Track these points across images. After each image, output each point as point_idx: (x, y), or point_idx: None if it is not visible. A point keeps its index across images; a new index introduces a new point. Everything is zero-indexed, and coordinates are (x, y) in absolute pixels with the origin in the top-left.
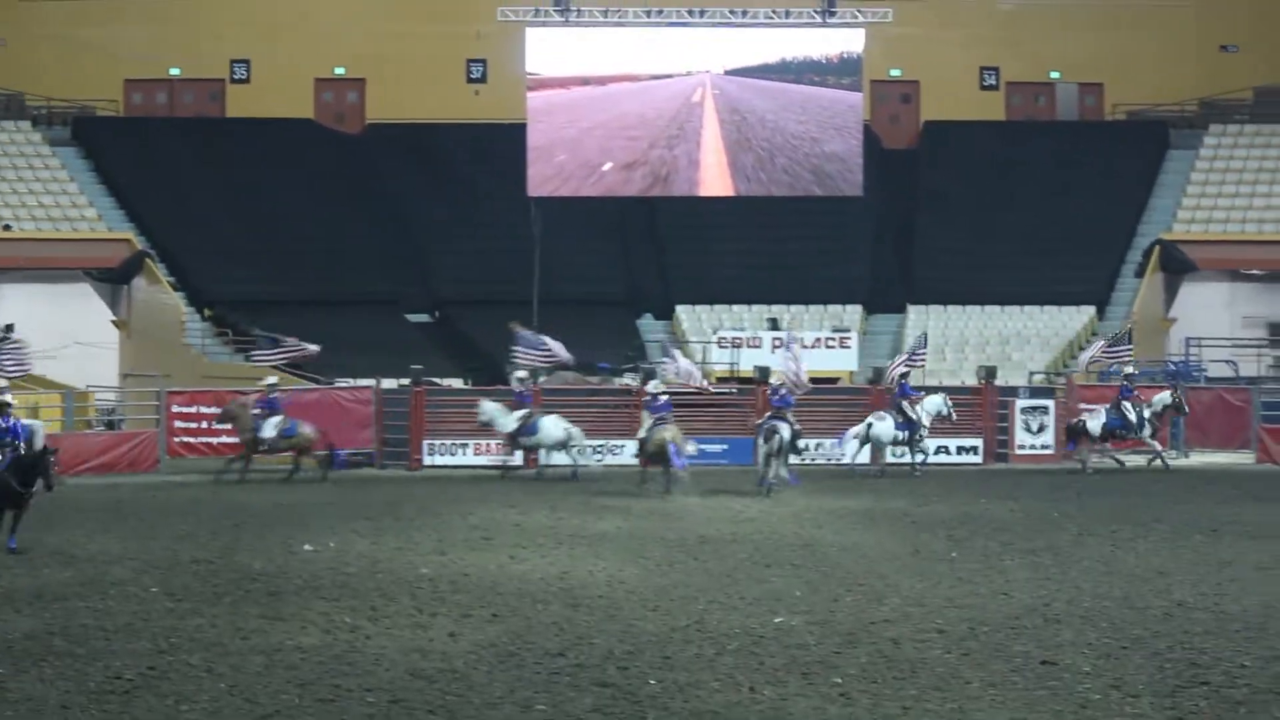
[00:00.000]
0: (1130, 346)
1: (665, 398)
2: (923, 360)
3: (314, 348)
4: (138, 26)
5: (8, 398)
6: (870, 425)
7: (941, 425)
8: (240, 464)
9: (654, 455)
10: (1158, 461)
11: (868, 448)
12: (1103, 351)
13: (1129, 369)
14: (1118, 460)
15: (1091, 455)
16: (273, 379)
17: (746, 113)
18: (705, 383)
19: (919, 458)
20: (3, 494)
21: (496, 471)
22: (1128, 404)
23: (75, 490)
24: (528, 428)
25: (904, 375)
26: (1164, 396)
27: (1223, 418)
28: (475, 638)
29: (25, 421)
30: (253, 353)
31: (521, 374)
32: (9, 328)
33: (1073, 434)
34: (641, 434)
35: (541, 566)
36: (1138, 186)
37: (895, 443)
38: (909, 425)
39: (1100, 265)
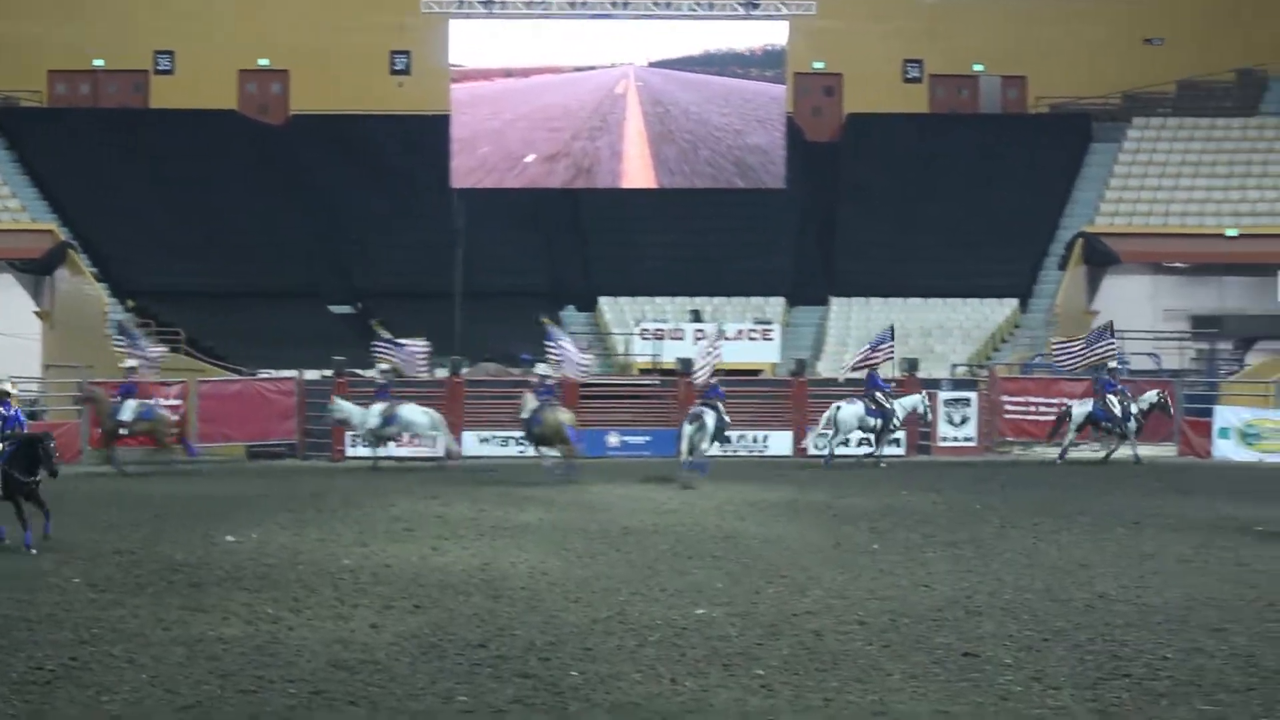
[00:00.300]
0: (1112, 341)
1: (552, 382)
2: (890, 353)
3: (158, 352)
4: (61, 17)
5: (7, 386)
6: (838, 409)
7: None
8: (110, 453)
9: (547, 438)
10: (1124, 452)
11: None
12: (1060, 346)
13: (1112, 363)
14: (1061, 455)
15: (1060, 442)
16: (132, 362)
17: (669, 105)
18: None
19: (884, 450)
20: (8, 485)
21: (430, 463)
22: (1113, 398)
23: None
24: (391, 419)
25: (874, 367)
26: (1150, 395)
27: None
28: (397, 629)
29: None
30: (115, 338)
31: (384, 367)
32: None
33: (1059, 420)
34: (524, 415)
35: (463, 558)
36: (1060, 179)
37: (864, 429)
38: (882, 413)
39: (1023, 257)
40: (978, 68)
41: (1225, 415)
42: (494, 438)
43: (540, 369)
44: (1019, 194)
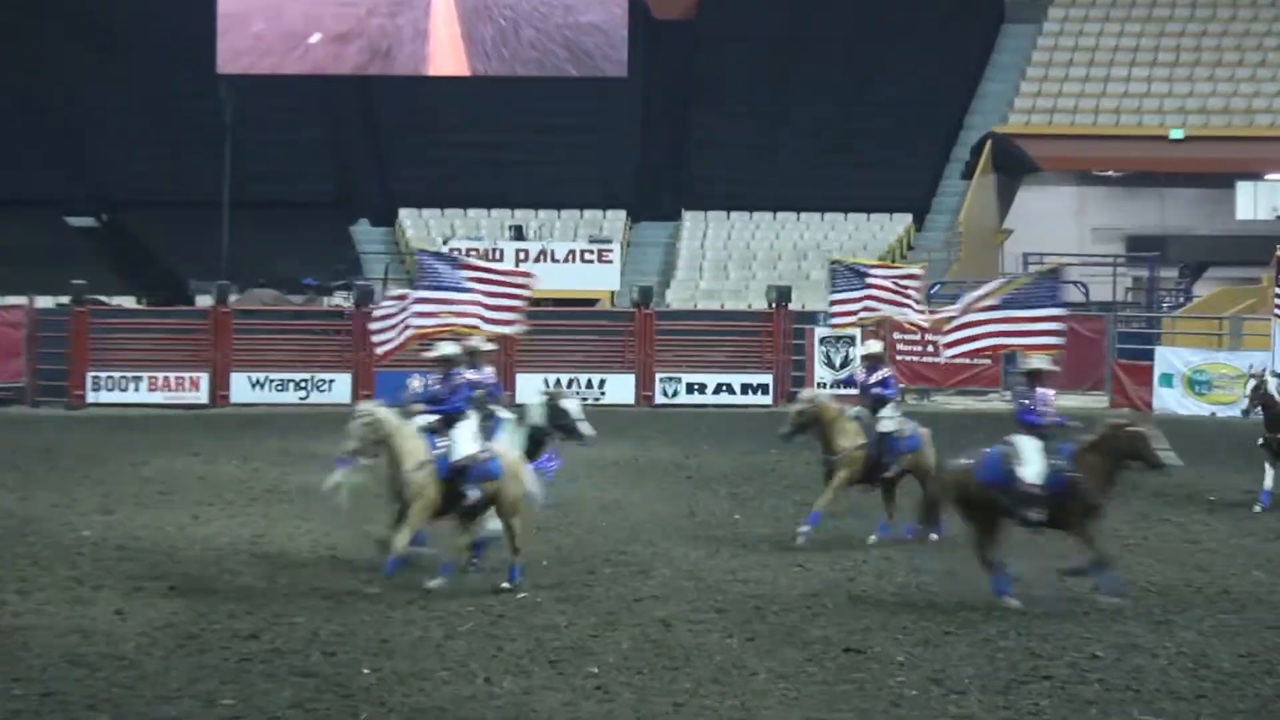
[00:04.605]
0: None
1: None
2: None
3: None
4: None
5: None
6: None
7: (721, 358)
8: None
9: None
10: None
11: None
12: None
13: None
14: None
15: None
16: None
17: None
18: None
19: None
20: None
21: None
22: None
23: None
24: None
25: None
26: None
27: (1069, 352)
28: (148, 616)
29: None
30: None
31: None
32: None
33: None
34: None
35: (231, 528)
36: (966, 68)
37: None
38: None
39: (919, 165)
40: None
41: (1168, 359)
42: (269, 382)
43: None
44: (914, 86)
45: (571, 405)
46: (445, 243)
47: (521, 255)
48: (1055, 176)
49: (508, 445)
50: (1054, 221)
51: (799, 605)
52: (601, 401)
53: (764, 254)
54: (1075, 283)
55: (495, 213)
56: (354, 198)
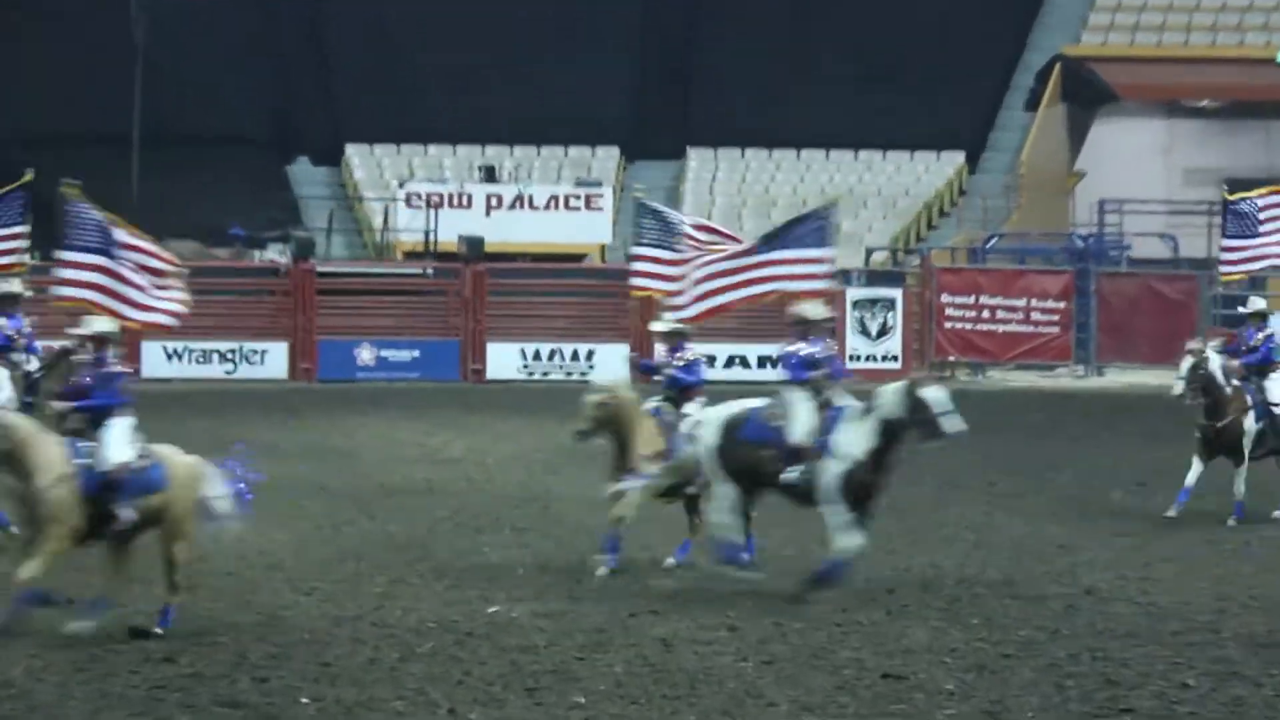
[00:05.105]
0: None
1: None
2: None
3: None
4: None
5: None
6: None
7: (734, 325)
8: None
9: None
10: None
11: None
12: None
13: None
14: None
15: None
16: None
17: None
18: None
19: None
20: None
21: None
22: None
23: None
24: None
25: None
26: None
27: (1155, 318)
28: (42, 635)
29: None
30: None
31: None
32: None
33: None
34: None
35: None
36: None
37: None
38: None
39: (973, 93)
40: None
41: (1274, 326)
42: (189, 352)
43: None
44: None
45: (936, 395)
46: (401, 186)
47: (494, 201)
48: (1138, 108)
49: (853, 440)
50: (1136, 161)
51: (827, 622)
52: (589, 376)
53: (785, 199)
54: (1162, 235)
55: (462, 150)
56: (291, 132)
